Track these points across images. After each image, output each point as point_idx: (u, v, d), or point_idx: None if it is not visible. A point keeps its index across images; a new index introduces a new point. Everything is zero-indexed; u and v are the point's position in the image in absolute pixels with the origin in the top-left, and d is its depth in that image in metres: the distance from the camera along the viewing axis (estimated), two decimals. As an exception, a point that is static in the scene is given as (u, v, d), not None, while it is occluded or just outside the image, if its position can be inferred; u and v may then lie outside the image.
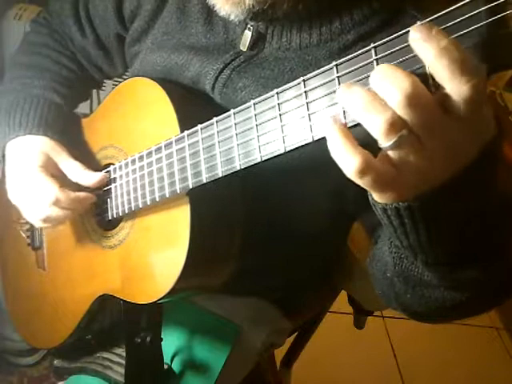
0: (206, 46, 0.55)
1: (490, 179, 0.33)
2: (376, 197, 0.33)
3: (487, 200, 0.34)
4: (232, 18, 0.47)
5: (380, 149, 0.30)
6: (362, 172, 0.29)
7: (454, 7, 0.27)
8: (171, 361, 0.62)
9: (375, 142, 0.29)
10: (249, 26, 0.51)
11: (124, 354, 0.61)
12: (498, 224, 0.37)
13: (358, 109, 0.29)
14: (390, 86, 0.27)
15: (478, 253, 0.38)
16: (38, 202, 0.56)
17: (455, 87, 0.27)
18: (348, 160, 0.29)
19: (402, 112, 0.28)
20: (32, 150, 0.58)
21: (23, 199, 0.59)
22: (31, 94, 0.64)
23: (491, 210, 0.35)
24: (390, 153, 0.29)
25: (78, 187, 0.57)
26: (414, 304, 0.47)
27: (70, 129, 0.64)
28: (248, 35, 0.51)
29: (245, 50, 0.52)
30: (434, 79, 0.28)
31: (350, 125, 0.31)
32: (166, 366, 0.61)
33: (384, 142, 0.28)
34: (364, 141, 0.30)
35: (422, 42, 0.27)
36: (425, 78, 0.28)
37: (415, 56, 0.28)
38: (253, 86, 0.51)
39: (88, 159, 0.61)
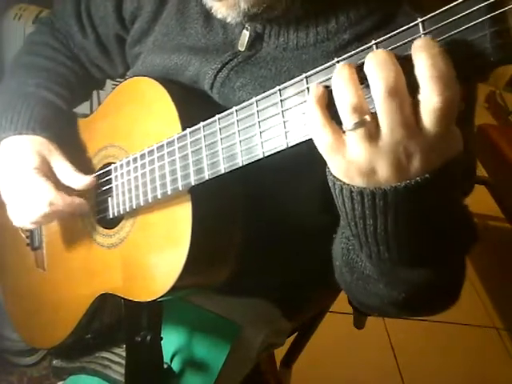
0: (205, 46, 0.56)
1: (441, 193, 0.35)
2: (329, 166, 0.35)
3: (437, 209, 0.36)
4: (229, 20, 0.48)
5: None
6: (319, 130, 0.32)
7: (454, 4, 0.28)
8: (171, 360, 0.62)
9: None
10: (246, 26, 0.52)
11: (124, 354, 0.61)
12: (444, 234, 0.39)
13: (337, 84, 0.31)
14: (377, 72, 0.29)
15: (420, 257, 0.40)
16: (32, 202, 0.56)
17: (427, 94, 0.28)
18: (312, 117, 0.33)
19: (378, 101, 0.30)
20: (26, 150, 0.58)
21: (17, 200, 0.59)
22: (24, 92, 0.64)
23: (439, 218, 0.37)
24: (348, 132, 0.32)
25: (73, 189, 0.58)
26: (358, 295, 0.50)
27: (67, 126, 0.64)
28: (246, 35, 0.52)
29: (243, 50, 0.53)
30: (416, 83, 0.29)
31: None
32: (165, 366, 0.61)
33: (346, 121, 0.31)
34: None
35: (419, 47, 0.29)
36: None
37: None
38: (250, 86, 0.52)
39: (87, 158, 0.61)
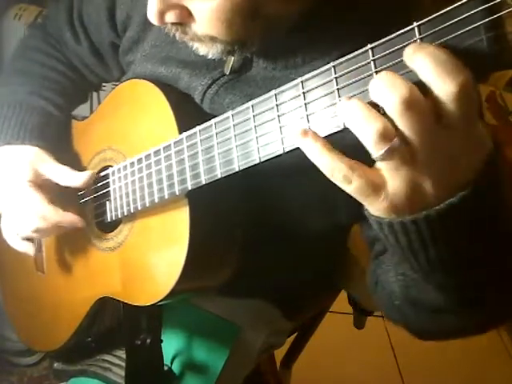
0: (195, 61, 0.55)
1: (494, 197, 0.32)
2: (368, 207, 0.32)
3: (494, 218, 0.33)
4: (210, 56, 0.48)
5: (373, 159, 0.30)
6: (349, 180, 0.30)
7: (450, 7, 0.27)
8: (171, 362, 0.62)
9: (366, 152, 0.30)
10: None
11: (124, 356, 0.61)
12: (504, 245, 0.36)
13: (351, 119, 0.29)
14: (387, 92, 0.28)
15: (484, 274, 0.37)
16: (25, 216, 0.56)
17: (441, 88, 0.27)
18: (335, 170, 0.30)
19: (398, 119, 0.28)
20: (19, 161, 0.58)
21: (10, 213, 0.59)
22: (16, 100, 0.64)
23: (498, 228, 0.34)
24: (382, 163, 0.30)
25: (69, 198, 0.58)
26: (424, 327, 0.48)
27: (61, 133, 0.64)
28: (231, 60, 0.51)
29: (227, 73, 0.52)
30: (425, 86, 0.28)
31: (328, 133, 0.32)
32: (166, 368, 0.61)
33: (375, 151, 0.29)
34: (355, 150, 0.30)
35: (412, 53, 0.28)
36: (421, 85, 0.28)
37: None
38: (239, 103, 0.50)
39: (85, 162, 0.61)
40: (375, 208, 0.32)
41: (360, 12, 0.47)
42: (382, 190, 0.30)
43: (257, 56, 0.51)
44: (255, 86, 0.51)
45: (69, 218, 0.57)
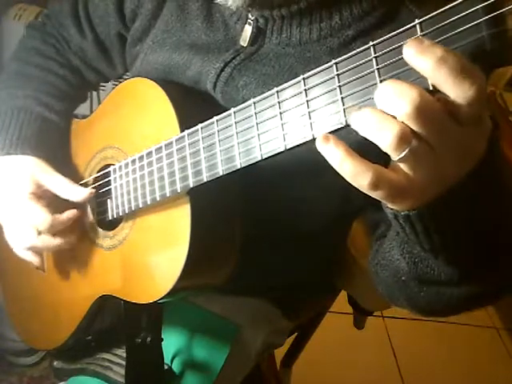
0: (207, 43, 0.55)
1: (497, 173, 0.34)
2: (390, 205, 0.33)
3: (499, 195, 0.35)
4: (229, 3, 0.47)
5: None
6: (376, 186, 0.30)
7: (452, 4, 0.28)
8: (171, 361, 0.62)
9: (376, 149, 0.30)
10: (249, 20, 0.51)
11: (124, 355, 0.61)
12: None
13: (366, 128, 0.29)
14: (397, 99, 0.28)
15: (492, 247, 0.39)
16: (28, 229, 0.56)
17: (460, 93, 0.27)
18: (360, 177, 0.29)
19: (412, 123, 0.28)
20: (19, 173, 0.58)
21: (13, 226, 0.59)
22: (13, 105, 0.63)
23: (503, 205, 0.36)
24: (402, 164, 0.30)
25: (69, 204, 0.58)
26: (428, 302, 0.48)
27: (59, 137, 0.64)
28: (248, 30, 0.51)
29: (245, 45, 0.52)
30: (436, 89, 0.28)
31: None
32: (166, 367, 0.61)
33: (395, 155, 0.29)
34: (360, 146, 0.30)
35: (418, 56, 0.27)
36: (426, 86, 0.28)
37: None
38: (254, 84, 0.51)
39: (85, 161, 0.61)
40: (398, 207, 0.33)
41: None
42: (405, 193, 0.31)
43: (272, 27, 0.50)
44: (268, 65, 0.51)
45: (66, 214, 0.56)
